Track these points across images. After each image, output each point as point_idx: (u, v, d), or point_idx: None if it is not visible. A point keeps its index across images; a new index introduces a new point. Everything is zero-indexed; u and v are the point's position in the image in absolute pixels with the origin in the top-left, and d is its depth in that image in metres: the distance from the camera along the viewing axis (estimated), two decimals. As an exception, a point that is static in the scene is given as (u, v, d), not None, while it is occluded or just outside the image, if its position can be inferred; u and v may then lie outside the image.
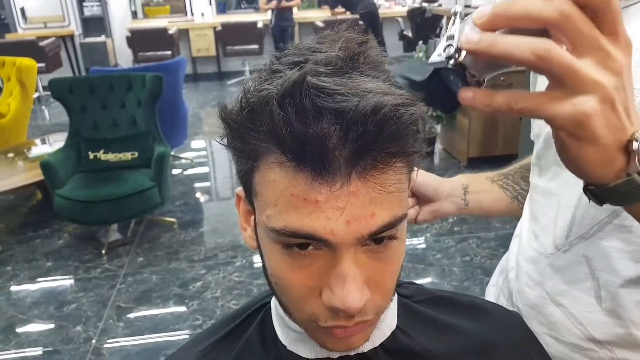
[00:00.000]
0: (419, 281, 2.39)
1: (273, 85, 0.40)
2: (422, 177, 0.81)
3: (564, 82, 0.34)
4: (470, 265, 2.79)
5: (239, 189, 0.50)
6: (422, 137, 0.44)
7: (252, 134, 0.41)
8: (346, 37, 0.45)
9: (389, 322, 0.56)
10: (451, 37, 0.37)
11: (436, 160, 4.32)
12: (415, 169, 0.47)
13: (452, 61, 0.37)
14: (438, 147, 4.47)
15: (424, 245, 3.01)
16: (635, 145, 0.37)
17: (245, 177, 0.46)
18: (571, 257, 0.68)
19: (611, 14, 0.34)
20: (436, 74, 0.38)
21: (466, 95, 0.37)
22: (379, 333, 0.54)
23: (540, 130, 0.74)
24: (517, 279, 0.78)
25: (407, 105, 0.39)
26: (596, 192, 0.41)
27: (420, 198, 0.82)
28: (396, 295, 0.58)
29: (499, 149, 3.86)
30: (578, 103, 0.34)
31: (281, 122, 0.38)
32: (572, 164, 0.39)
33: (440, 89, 0.39)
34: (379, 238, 0.43)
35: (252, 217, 0.49)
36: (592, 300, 0.67)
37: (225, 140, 0.45)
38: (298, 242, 0.42)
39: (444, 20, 5.31)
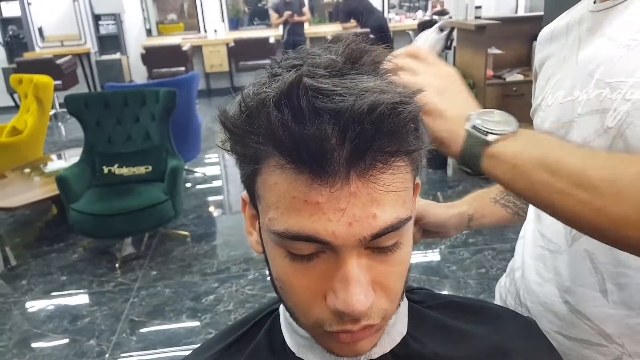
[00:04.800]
0: (433, 293, 2.36)
1: (271, 88, 0.40)
2: (432, 219, 0.83)
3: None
4: (486, 277, 2.74)
5: (244, 193, 0.50)
6: (423, 134, 0.43)
7: (251, 137, 0.41)
8: (348, 41, 0.45)
9: (399, 327, 0.54)
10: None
11: (449, 172, 4.29)
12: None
13: None
14: (451, 158, 4.43)
15: (438, 257, 2.98)
16: (472, 115, 0.55)
17: (249, 181, 0.46)
18: (574, 252, 0.69)
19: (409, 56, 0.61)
20: None
21: None
22: (388, 339, 0.53)
23: (539, 130, 0.76)
24: (523, 277, 0.79)
25: (404, 103, 0.39)
26: (460, 160, 0.55)
27: (426, 229, 0.85)
28: (406, 300, 0.57)
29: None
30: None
31: (278, 124, 0.38)
32: (434, 135, 0.55)
33: None
34: (382, 248, 0.42)
35: (257, 221, 0.48)
36: (597, 295, 0.67)
37: (227, 145, 0.45)
38: (303, 253, 0.42)
39: (455, 32, 5.31)
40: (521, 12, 7.30)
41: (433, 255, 3.02)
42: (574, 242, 0.69)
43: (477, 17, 4.15)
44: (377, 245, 0.42)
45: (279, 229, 0.41)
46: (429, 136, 0.54)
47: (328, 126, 0.37)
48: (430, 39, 0.71)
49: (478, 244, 3.05)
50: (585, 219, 0.48)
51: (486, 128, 0.53)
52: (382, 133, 0.38)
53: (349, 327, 0.43)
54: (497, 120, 0.54)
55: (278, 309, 0.59)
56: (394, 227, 0.41)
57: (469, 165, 0.55)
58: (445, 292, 2.67)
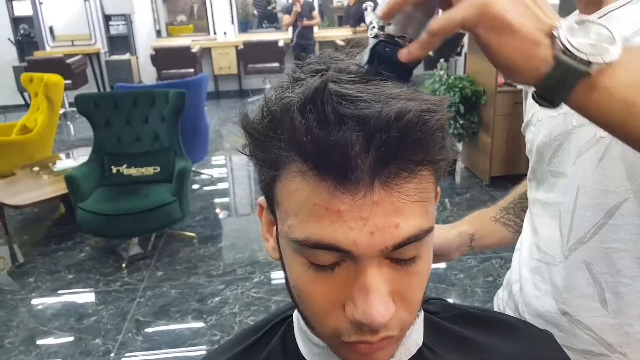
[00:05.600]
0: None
1: (295, 93, 0.40)
2: (433, 241, 0.83)
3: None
4: (494, 286, 2.73)
5: (261, 199, 0.49)
6: (449, 144, 0.43)
7: (273, 142, 0.40)
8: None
9: (415, 338, 0.54)
10: (371, 24, 0.45)
11: (457, 179, 4.27)
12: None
13: (381, 36, 0.44)
14: (459, 165, 4.42)
15: (445, 265, 2.96)
16: (556, 32, 0.40)
17: (267, 187, 0.45)
18: (572, 263, 0.69)
19: None
20: (374, 54, 0.44)
21: (402, 54, 0.44)
22: (404, 349, 0.52)
23: (531, 144, 0.77)
24: (521, 291, 0.79)
25: (432, 111, 0.38)
26: (541, 91, 0.42)
27: None
28: (422, 311, 0.56)
29: (523, 167, 3.80)
30: None
31: (302, 130, 0.37)
32: (499, 58, 0.42)
33: (386, 65, 0.44)
34: (403, 260, 0.41)
35: (275, 227, 0.48)
36: (597, 305, 0.67)
37: (246, 150, 0.45)
38: (322, 256, 0.41)
39: (465, 38, 5.30)
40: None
41: (440, 263, 3.00)
42: (570, 254, 0.69)
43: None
44: (398, 255, 0.41)
45: (299, 237, 0.41)
46: (492, 59, 0.42)
47: (353, 133, 0.37)
48: None
49: (486, 252, 3.03)
50: None
51: (582, 51, 0.39)
52: (409, 142, 0.37)
53: (367, 338, 0.42)
54: (595, 38, 0.40)
55: (291, 315, 0.58)
56: (417, 238, 0.40)
57: (548, 99, 0.42)
58: (451, 300, 2.66)
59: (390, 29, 0.45)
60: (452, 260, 0.90)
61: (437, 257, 0.86)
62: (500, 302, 0.89)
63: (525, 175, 0.83)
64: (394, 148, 0.37)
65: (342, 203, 0.38)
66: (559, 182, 0.71)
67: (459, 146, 4.36)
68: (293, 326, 0.57)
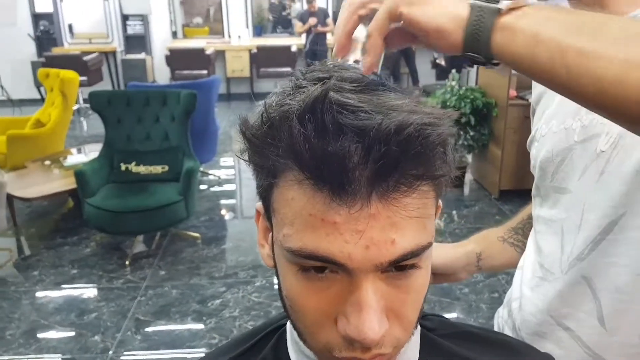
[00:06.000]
0: (444, 316, 2.33)
1: (295, 101, 0.39)
2: (439, 261, 0.84)
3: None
4: (499, 302, 2.68)
5: (259, 204, 0.49)
6: (452, 159, 0.42)
7: (271, 149, 0.39)
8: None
9: (409, 355, 0.52)
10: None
11: (466, 190, 4.24)
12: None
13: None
14: (469, 177, 4.39)
15: (449, 277, 2.93)
16: None
17: (264, 194, 0.44)
18: (571, 279, 0.68)
19: None
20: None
21: (364, 70, 0.49)
22: None
23: (535, 160, 0.77)
24: (520, 308, 0.78)
25: (434, 125, 0.37)
26: (467, 42, 0.47)
27: (434, 274, 0.84)
28: (419, 327, 0.55)
29: (533, 182, 3.77)
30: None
31: (300, 139, 0.37)
32: (428, 26, 0.47)
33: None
34: (400, 266, 0.40)
35: (270, 234, 0.47)
36: (595, 322, 0.66)
37: (245, 155, 0.44)
38: (315, 264, 0.40)
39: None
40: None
41: (446, 283, 2.97)
42: (570, 269, 0.68)
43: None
44: (393, 270, 0.40)
45: (293, 247, 0.40)
46: (423, 34, 0.48)
47: (352, 144, 0.36)
48: None
49: (500, 270, 2.99)
50: (627, 79, 0.40)
51: None
52: (408, 155, 0.36)
53: (358, 355, 0.41)
54: None
55: (285, 325, 0.57)
56: (413, 254, 0.39)
57: (476, 50, 0.47)
58: (455, 315, 2.63)
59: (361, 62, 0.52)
60: (459, 281, 0.88)
61: (443, 277, 0.84)
62: (500, 321, 0.88)
63: None
64: (393, 161, 0.36)
65: (338, 215, 0.37)
66: (562, 199, 0.71)
67: (469, 158, 4.33)
68: (286, 336, 0.56)
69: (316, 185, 0.38)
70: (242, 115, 0.43)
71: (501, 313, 0.89)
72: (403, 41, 0.52)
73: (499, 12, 0.46)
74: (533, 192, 0.79)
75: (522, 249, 0.87)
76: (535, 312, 0.74)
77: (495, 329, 0.89)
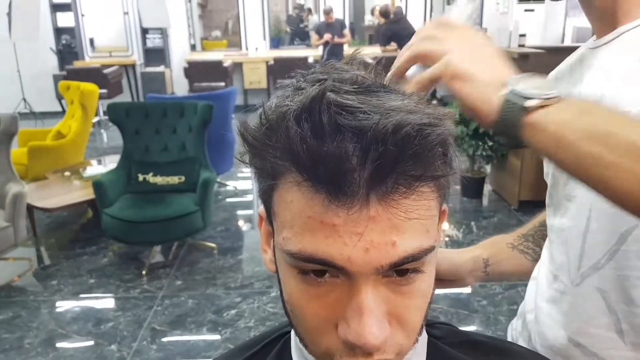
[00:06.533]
0: (461, 328, 2.29)
1: (293, 102, 0.39)
2: (444, 267, 0.81)
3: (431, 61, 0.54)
4: (516, 313, 2.63)
5: (261, 209, 0.48)
6: (454, 160, 0.41)
7: (270, 151, 0.39)
8: (379, 59, 0.44)
9: None
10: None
11: (485, 201, 4.18)
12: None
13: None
14: (487, 188, 4.33)
15: (468, 290, 2.88)
16: (508, 80, 0.50)
17: (265, 197, 0.44)
18: (585, 291, 0.65)
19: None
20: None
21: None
22: None
23: (547, 168, 0.76)
24: (536, 321, 0.76)
25: (433, 125, 0.37)
26: (498, 129, 0.50)
27: (441, 279, 0.82)
28: (425, 335, 0.54)
29: (551, 192, 3.71)
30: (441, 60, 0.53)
31: (297, 139, 0.36)
32: (462, 102, 0.51)
33: None
34: (402, 270, 0.39)
35: (272, 238, 0.46)
36: (613, 336, 0.63)
37: (245, 158, 0.44)
38: (314, 268, 0.39)
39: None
40: (567, 42, 7.16)
41: (463, 288, 2.92)
42: (583, 280, 0.65)
43: (520, 45, 4.09)
44: (395, 274, 0.39)
45: (292, 249, 0.39)
46: (460, 104, 0.51)
47: (349, 144, 0.35)
48: (465, 8, 0.63)
49: (511, 279, 2.94)
50: (637, 194, 0.44)
51: (525, 93, 0.48)
52: (406, 155, 0.36)
53: None
54: (537, 85, 0.49)
55: (289, 332, 0.56)
56: (415, 257, 0.38)
57: (507, 135, 0.50)
58: (473, 328, 2.58)
59: None
60: (467, 286, 0.86)
61: (449, 282, 0.82)
62: (514, 333, 0.86)
63: None
64: (390, 162, 0.36)
65: (337, 217, 0.37)
66: (572, 207, 0.69)
67: (487, 168, 4.28)
68: (290, 343, 0.55)
69: (314, 187, 0.37)
70: (241, 118, 0.43)
71: (515, 325, 0.87)
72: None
73: (525, 110, 0.48)
74: (547, 201, 0.77)
75: (532, 256, 0.85)
76: (552, 326, 0.72)
77: (509, 339, 0.86)
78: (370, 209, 0.37)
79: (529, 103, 0.48)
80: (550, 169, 0.75)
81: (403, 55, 0.57)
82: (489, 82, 0.50)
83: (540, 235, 0.86)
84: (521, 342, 0.80)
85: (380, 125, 0.35)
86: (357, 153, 0.35)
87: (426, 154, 0.37)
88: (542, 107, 0.48)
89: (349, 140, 0.36)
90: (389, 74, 0.55)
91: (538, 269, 0.80)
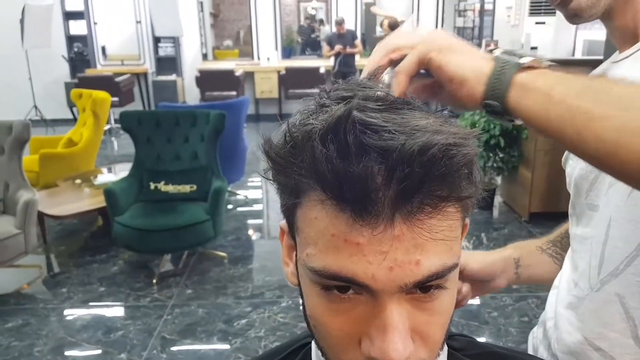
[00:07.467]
0: (471, 339, 2.26)
1: (318, 120, 0.39)
2: (475, 265, 0.80)
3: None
4: (529, 326, 2.59)
5: (283, 222, 0.48)
6: (478, 179, 0.41)
7: (294, 169, 0.39)
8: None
9: None
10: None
11: (495, 213, 4.15)
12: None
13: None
14: (498, 199, 4.30)
15: (478, 302, 2.85)
16: (494, 51, 0.52)
17: (288, 212, 0.44)
18: (604, 296, 0.66)
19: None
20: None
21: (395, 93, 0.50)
22: None
23: (570, 178, 0.76)
24: (555, 327, 0.77)
25: (459, 145, 0.37)
26: (486, 94, 0.50)
27: (473, 282, 0.81)
28: (445, 348, 0.53)
29: (563, 204, 3.65)
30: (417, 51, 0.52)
31: (322, 159, 0.36)
32: (453, 74, 0.50)
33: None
34: (425, 287, 0.39)
35: (295, 252, 0.47)
36: (630, 342, 0.64)
37: (268, 174, 0.44)
38: (338, 284, 0.39)
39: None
40: (578, 55, 7.13)
41: (473, 299, 2.89)
42: (602, 286, 0.66)
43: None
44: (418, 291, 0.39)
45: (316, 267, 0.39)
46: (447, 78, 0.50)
47: (375, 164, 0.35)
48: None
49: (522, 291, 2.91)
50: (625, 144, 0.43)
51: (518, 52, 0.50)
52: (432, 176, 0.36)
53: None
54: (526, 54, 0.51)
55: (310, 343, 0.56)
56: (439, 275, 0.38)
57: (494, 106, 0.50)
58: (484, 339, 2.55)
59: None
60: (498, 289, 0.84)
61: (481, 285, 0.80)
62: (535, 341, 0.86)
63: (566, 212, 0.79)
64: (416, 183, 0.36)
65: (361, 236, 0.37)
66: (595, 216, 0.69)
67: (498, 180, 4.25)
68: (311, 355, 0.55)
69: (339, 206, 0.37)
70: (265, 135, 0.43)
71: (536, 333, 0.87)
72: (425, 95, 0.56)
73: (519, 67, 0.49)
74: (570, 210, 0.78)
75: (560, 261, 0.84)
76: (571, 331, 0.72)
77: (530, 349, 0.86)
78: (395, 229, 0.37)
79: (523, 60, 0.49)
80: (572, 178, 0.74)
81: (371, 61, 0.56)
82: (476, 52, 0.51)
83: (567, 242, 0.86)
84: (542, 350, 0.80)
85: (407, 146, 0.35)
86: (382, 173, 0.36)
87: (452, 174, 0.37)
88: (533, 67, 0.49)
89: (374, 160, 0.36)
90: (362, 74, 0.55)
91: (559, 277, 0.80)
